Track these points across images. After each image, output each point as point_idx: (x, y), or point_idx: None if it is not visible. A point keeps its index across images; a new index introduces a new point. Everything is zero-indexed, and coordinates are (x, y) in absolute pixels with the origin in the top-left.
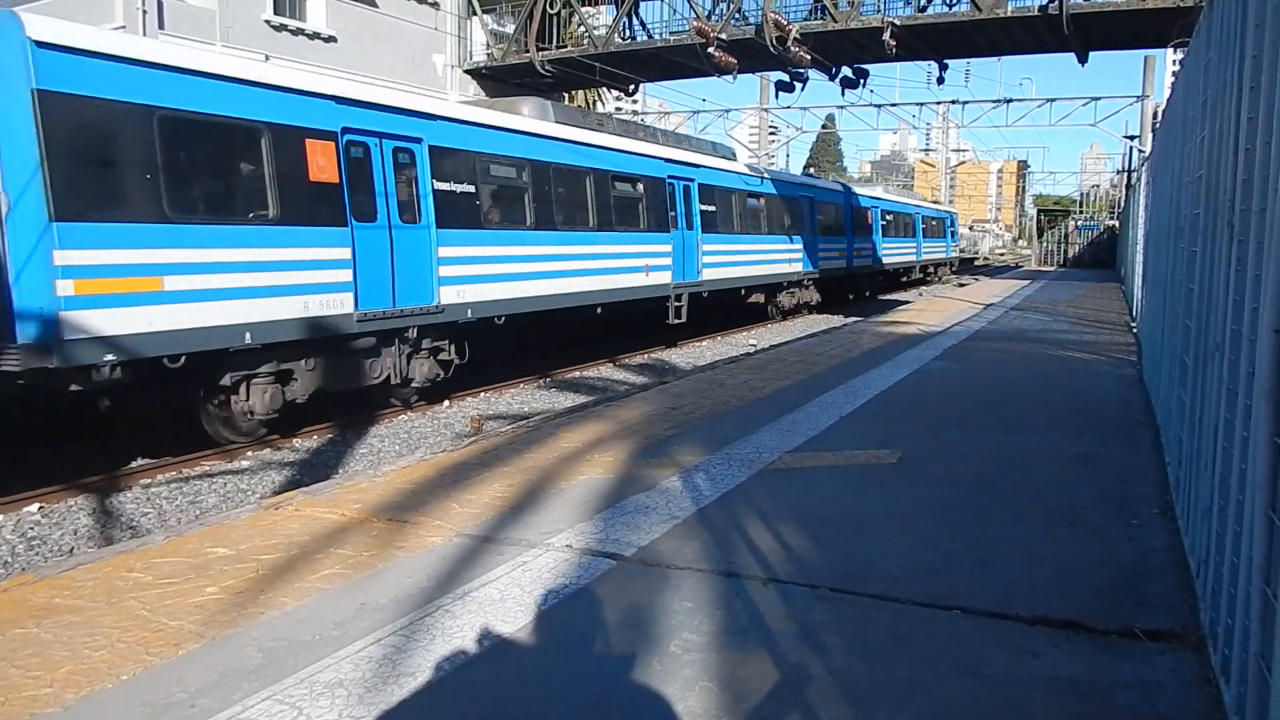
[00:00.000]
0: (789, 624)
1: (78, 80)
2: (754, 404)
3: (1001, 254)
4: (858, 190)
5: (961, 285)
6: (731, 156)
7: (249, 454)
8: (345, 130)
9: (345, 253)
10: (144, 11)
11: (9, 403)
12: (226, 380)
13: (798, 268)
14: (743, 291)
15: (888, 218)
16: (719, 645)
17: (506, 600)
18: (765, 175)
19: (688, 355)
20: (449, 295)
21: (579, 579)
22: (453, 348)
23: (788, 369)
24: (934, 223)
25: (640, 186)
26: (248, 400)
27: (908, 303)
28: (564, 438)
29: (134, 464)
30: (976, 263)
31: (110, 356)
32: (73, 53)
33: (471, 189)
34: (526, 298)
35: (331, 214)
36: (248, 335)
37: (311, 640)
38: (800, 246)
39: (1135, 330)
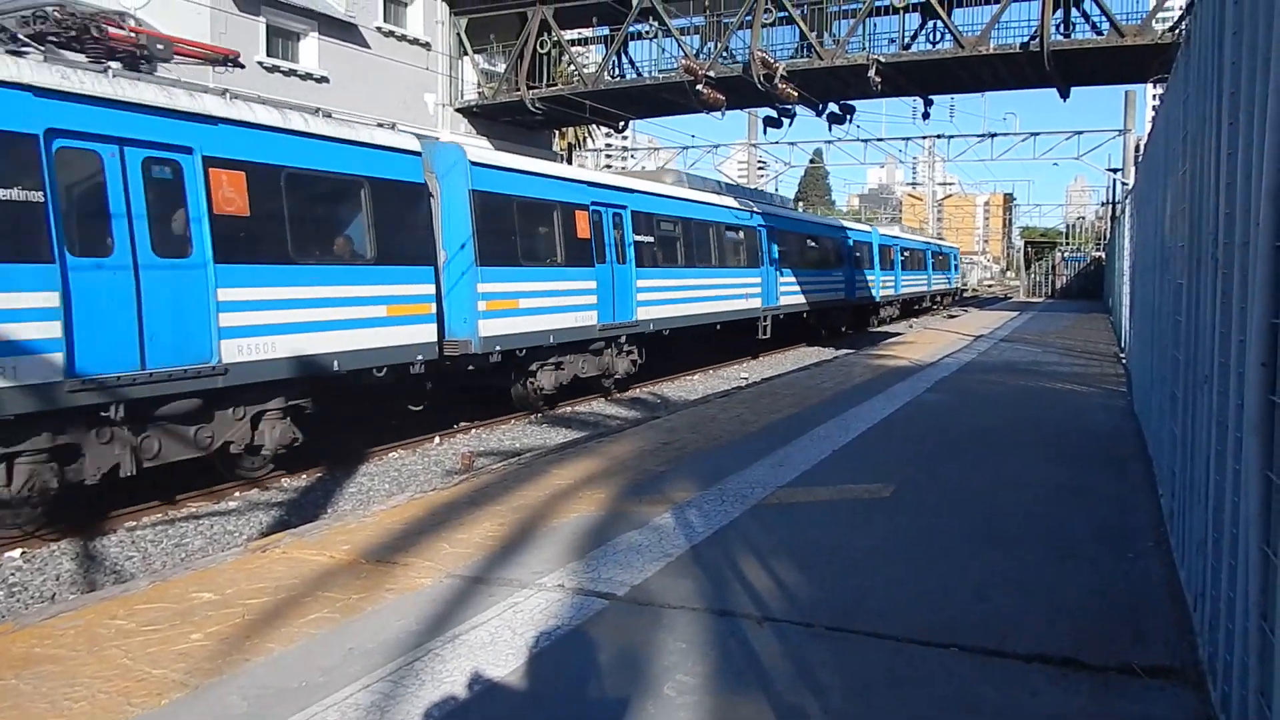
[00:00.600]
0: (785, 663)
1: (486, 182)
2: (746, 438)
3: (990, 285)
4: (881, 230)
5: (951, 317)
6: (792, 207)
7: (236, 494)
8: (593, 203)
9: (593, 284)
10: None
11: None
12: (534, 367)
13: (841, 295)
14: (804, 315)
15: (905, 254)
16: (714, 687)
17: (498, 643)
18: (815, 221)
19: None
20: (641, 314)
21: (571, 620)
22: (637, 351)
23: (779, 402)
24: (940, 257)
25: (741, 234)
26: (538, 381)
27: (898, 334)
28: (556, 475)
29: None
30: (965, 294)
31: (498, 348)
32: (484, 166)
33: (651, 239)
34: (680, 316)
35: (586, 258)
36: (551, 338)
37: (298, 688)
38: (842, 279)
39: (1124, 361)
